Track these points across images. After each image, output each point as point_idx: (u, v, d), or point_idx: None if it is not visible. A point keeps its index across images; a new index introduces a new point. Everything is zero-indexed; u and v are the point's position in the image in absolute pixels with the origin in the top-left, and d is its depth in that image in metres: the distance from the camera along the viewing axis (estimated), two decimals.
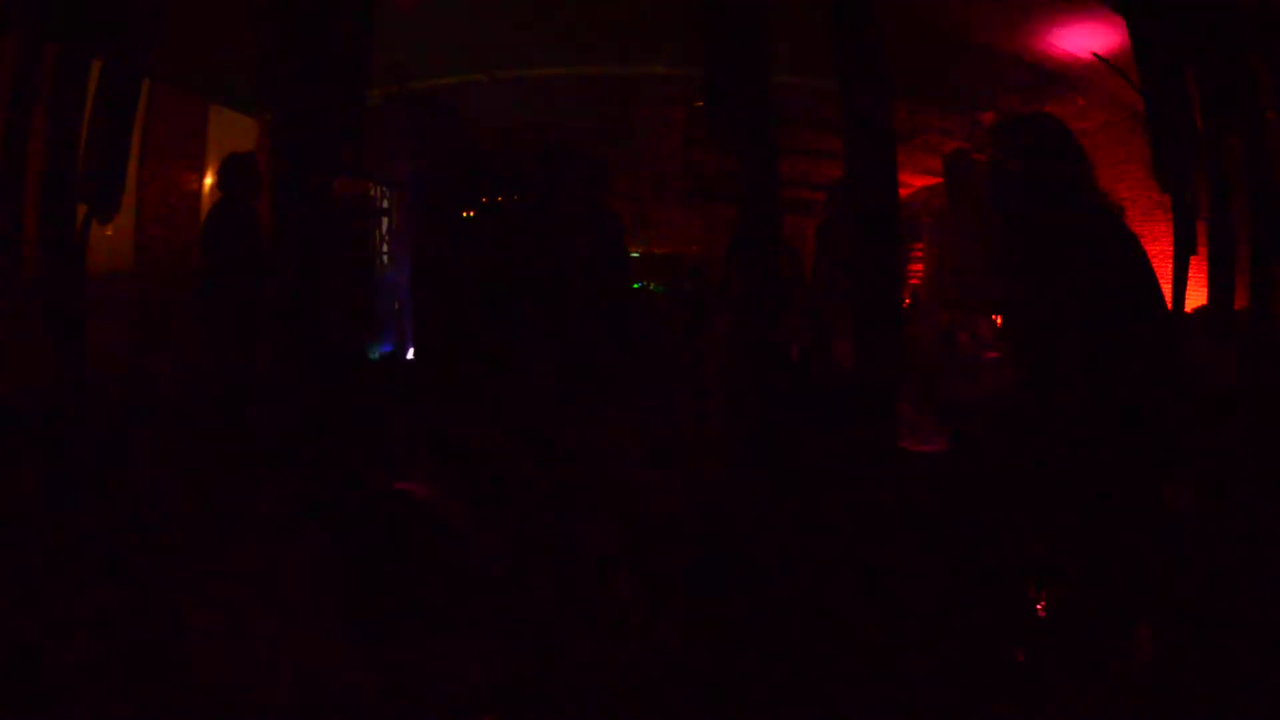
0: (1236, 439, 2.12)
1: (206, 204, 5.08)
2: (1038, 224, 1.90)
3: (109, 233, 4.03)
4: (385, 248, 6.64)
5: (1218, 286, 3.19)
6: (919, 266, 7.57)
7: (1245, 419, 2.19)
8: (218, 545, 2.25)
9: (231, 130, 5.15)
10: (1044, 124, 1.98)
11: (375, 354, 5.04)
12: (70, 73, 2.22)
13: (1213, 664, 1.51)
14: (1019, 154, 1.95)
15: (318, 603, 1.88)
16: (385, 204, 6.82)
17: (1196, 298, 3.33)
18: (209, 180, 5.05)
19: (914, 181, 7.20)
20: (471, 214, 5.25)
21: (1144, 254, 1.95)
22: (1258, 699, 1.42)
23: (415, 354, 4.94)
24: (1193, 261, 3.29)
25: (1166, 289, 2.46)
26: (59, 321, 2.46)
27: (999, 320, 2.37)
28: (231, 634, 1.76)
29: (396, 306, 5.67)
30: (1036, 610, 1.95)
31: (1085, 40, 3.82)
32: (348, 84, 1.63)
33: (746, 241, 2.56)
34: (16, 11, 2.25)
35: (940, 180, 6.62)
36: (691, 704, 1.57)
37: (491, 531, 2.42)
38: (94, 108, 2.24)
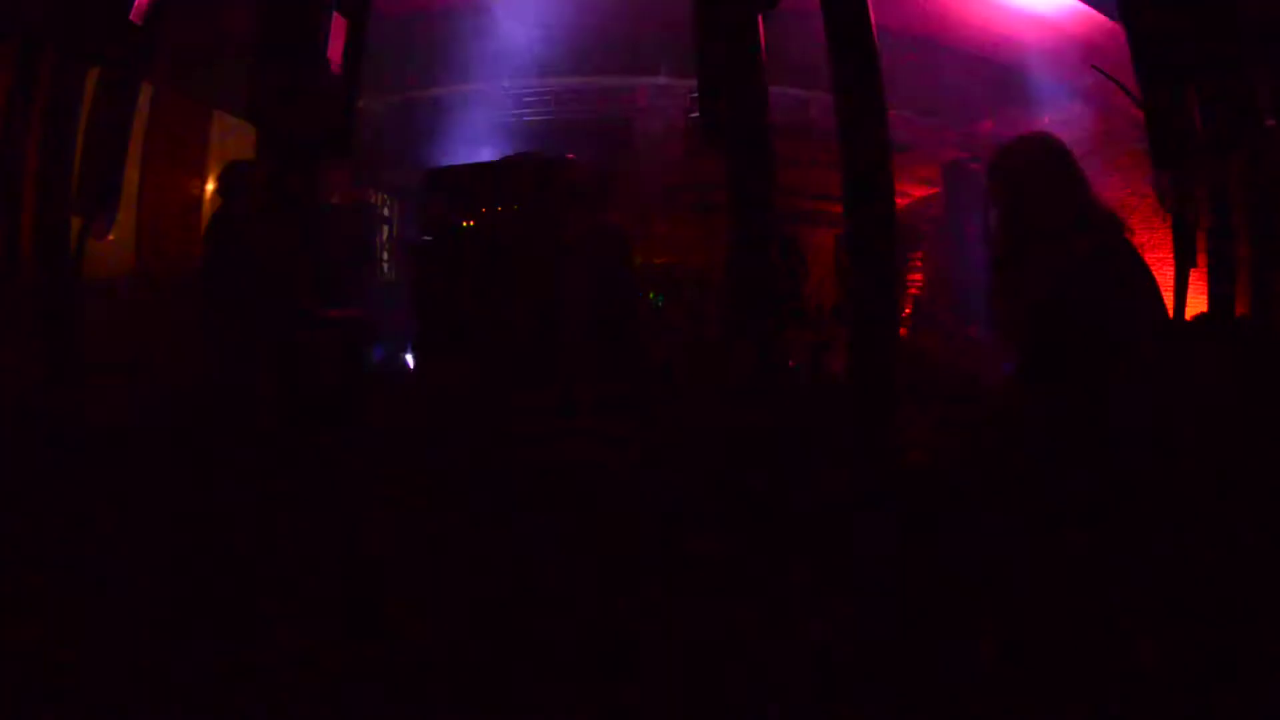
0: (1236, 446, 2.11)
1: (208, 210, 5.10)
2: (1036, 241, 1.92)
3: (111, 238, 4.05)
4: (387, 255, 6.67)
5: (1218, 294, 3.18)
6: (918, 276, 7.60)
7: (1245, 426, 2.19)
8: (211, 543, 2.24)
9: (233, 136, 5.18)
10: (1038, 144, 2.01)
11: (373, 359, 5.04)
12: (67, 82, 2.23)
13: (1212, 665, 1.50)
14: (1015, 176, 1.98)
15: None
16: (387, 211, 6.86)
17: (1196, 305, 3.33)
18: (210, 186, 5.08)
19: (913, 191, 7.23)
20: (471, 223, 5.27)
21: (1144, 266, 1.96)
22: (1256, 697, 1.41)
23: (414, 360, 4.94)
24: (1192, 270, 3.29)
25: (1167, 296, 2.46)
26: (54, 332, 2.46)
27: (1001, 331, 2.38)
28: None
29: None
30: (1029, 613, 1.93)
31: (1083, 50, 3.84)
32: (339, 97, 1.64)
33: (743, 251, 2.56)
34: (16, 17, 2.27)
35: (938, 190, 6.67)
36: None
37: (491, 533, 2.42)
38: (90, 119, 2.25)
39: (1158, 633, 1.59)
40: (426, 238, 4.73)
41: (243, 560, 2.16)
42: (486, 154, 5.81)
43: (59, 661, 1.60)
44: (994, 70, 4.57)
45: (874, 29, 2.36)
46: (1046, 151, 1.98)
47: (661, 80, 5.83)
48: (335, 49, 1.56)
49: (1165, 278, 2.90)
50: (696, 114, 2.33)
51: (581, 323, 4.04)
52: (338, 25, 1.54)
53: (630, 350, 4.75)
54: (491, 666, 1.65)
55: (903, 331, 6.29)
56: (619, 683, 1.60)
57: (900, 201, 7.45)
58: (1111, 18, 3.43)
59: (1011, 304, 2.06)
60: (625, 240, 4.72)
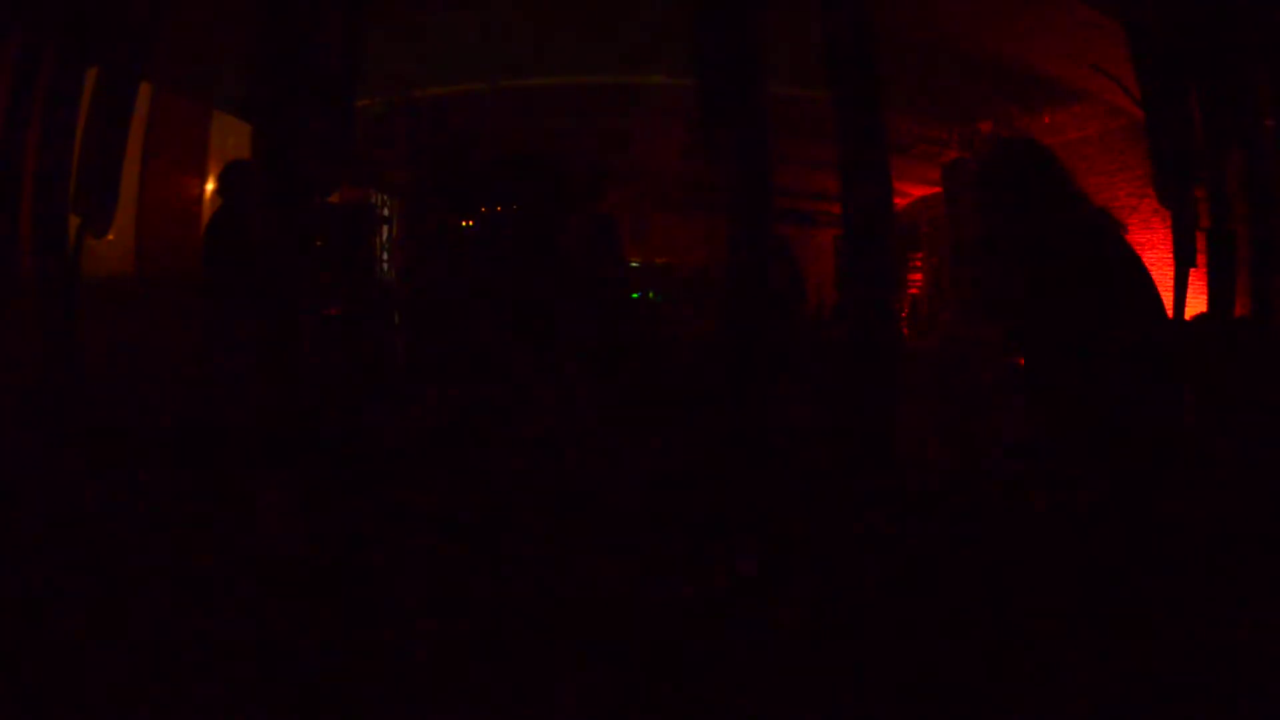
0: (1235, 445, 2.11)
1: (208, 209, 5.10)
2: (1031, 239, 1.91)
3: (110, 237, 4.05)
4: (385, 255, 6.67)
5: (1217, 295, 3.18)
6: (918, 276, 7.60)
7: (1244, 425, 2.19)
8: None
9: (233, 136, 5.18)
10: (1024, 148, 2.01)
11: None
12: (66, 81, 2.23)
13: (1213, 665, 1.50)
14: (1005, 180, 1.97)
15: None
16: (386, 211, 6.85)
17: (1196, 305, 3.32)
18: (210, 186, 5.08)
19: (913, 191, 7.23)
20: (470, 222, 5.27)
21: (1140, 263, 1.96)
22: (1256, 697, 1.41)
23: (410, 360, 4.93)
24: (1192, 270, 3.28)
25: (1166, 296, 2.45)
26: (52, 332, 2.45)
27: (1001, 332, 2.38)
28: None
29: (396, 318, 5.69)
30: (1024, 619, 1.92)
31: (1083, 50, 3.83)
32: (336, 98, 1.63)
33: (741, 251, 2.55)
34: (16, 16, 2.26)
35: (939, 190, 6.67)
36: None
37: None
38: (89, 118, 2.24)
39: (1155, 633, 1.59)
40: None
41: (240, 561, 2.15)
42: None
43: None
44: (995, 70, 4.56)
45: (873, 28, 2.35)
46: (1032, 158, 1.97)
47: (661, 80, 5.82)
48: (333, 48, 1.56)
49: (1165, 278, 2.89)
50: (697, 114, 2.32)
51: (576, 313, 4.03)
52: (335, 24, 1.54)
53: (620, 337, 4.72)
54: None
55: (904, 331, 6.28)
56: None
57: (900, 202, 7.47)
58: (1112, 17, 3.43)
59: (1001, 311, 2.06)
60: (617, 230, 4.71)
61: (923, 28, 4.12)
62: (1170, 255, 3.14)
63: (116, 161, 2.34)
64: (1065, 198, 1.89)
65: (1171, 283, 3.03)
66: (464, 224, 5.38)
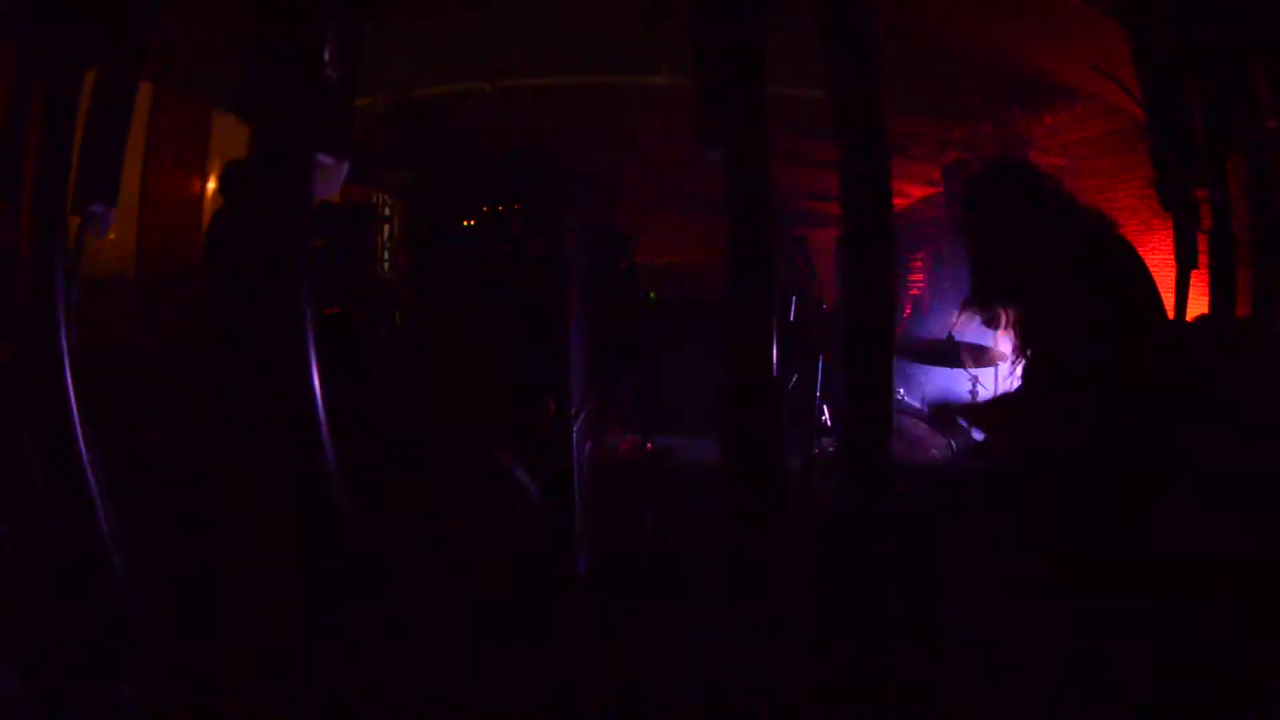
0: (1237, 445, 2.11)
1: (209, 209, 5.10)
2: (1030, 250, 1.91)
3: (111, 237, 4.04)
4: (387, 255, 6.68)
5: (1219, 296, 3.17)
6: (919, 276, 7.59)
7: (1245, 426, 2.18)
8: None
9: (235, 136, 5.18)
10: (1006, 173, 2.00)
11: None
12: (66, 81, 2.22)
13: (1215, 665, 1.49)
14: (992, 207, 1.96)
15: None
16: (388, 211, 6.86)
17: (1198, 306, 3.32)
18: (211, 185, 5.08)
19: (914, 191, 7.22)
20: (472, 222, 5.26)
21: (1141, 264, 1.95)
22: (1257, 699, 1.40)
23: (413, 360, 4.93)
24: (1194, 273, 3.27)
25: (1168, 297, 2.44)
26: (45, 332, 2.43)
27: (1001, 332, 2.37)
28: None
29: (397, 318, 5.68)
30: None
31: (1084, 50, 3.83)
32: (336, 96, 1.62)
33: (740, 252, 2.54)
34: (15, 16, 2.26)
35: (939, 190, 6.66)
36: None
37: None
38: (89, 118, 2.23)
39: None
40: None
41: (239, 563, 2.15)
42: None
43: None
44: (996, 69, 4.56)
45: (873, 28, 2.34)
46: (1016, 181, 1.96)
47: (662, 80, 5.82)
48: (332, 47, 1.55)
49: (1166, 279, 2.88)
50: (696, 114, 2.31)
51: (579, 327, 4.03)
52: (334, 23, 1.54)
53: (632, 353, 4.74)
54: None
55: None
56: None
57: (900, 202, 7.46)
58: (1112, 17, 3.42)
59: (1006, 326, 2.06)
60: (625, 239, 4.73)
61: (923, 26, 4.11)
62: (1171, 257, 3.15)
63: (116, 162, 2.33)
64: (1059, 209, 1.88)
65: (1173, 285, 3.03)
66: (464, 224, 5.37)
